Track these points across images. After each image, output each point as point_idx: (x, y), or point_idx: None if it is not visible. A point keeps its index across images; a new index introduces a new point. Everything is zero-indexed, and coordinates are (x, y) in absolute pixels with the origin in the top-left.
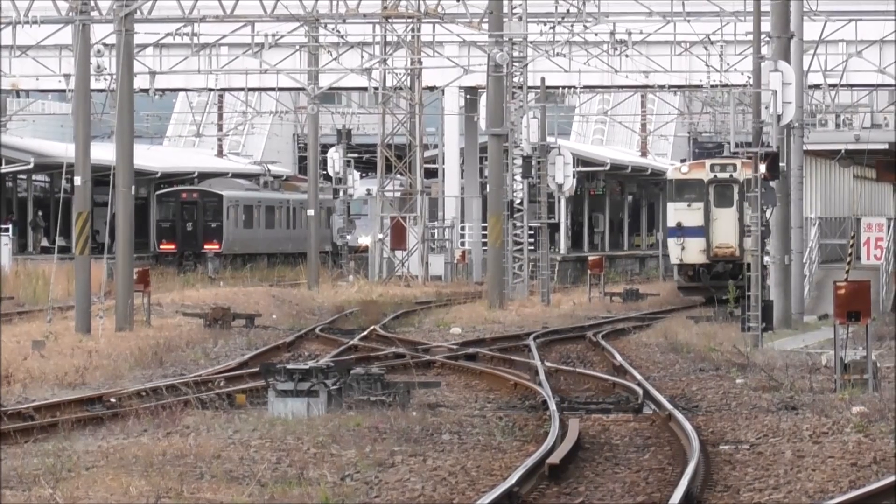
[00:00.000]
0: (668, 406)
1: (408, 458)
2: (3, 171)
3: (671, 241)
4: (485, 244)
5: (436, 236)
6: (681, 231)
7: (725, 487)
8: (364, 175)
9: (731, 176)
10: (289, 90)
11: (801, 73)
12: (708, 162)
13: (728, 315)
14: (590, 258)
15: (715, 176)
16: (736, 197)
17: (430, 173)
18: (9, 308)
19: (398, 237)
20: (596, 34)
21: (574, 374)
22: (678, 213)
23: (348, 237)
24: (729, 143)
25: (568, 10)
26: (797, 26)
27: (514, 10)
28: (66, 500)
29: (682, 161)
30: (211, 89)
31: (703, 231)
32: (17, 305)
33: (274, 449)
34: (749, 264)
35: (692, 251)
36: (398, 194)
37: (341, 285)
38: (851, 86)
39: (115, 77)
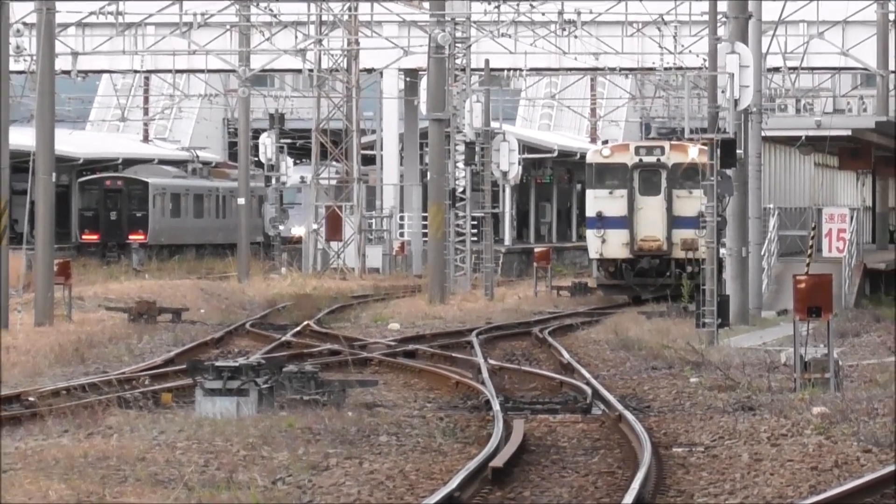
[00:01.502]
0: (619, 406)
1: (343, 460)
2: None
3: (590, 234)
4: (425, 235)
5: (373, 227)
6: (601, 222)
7: (679, 492)
8: (298, 162)
9: (658, 160)
10: (218, 72)
11: (760, 55)
12: (632, 144)
13: (682, 310)
14: (536, 250)
15: (640, 160)
16: (664, 184)
17: (368, 160)
18: None
19: (334, 227)
20: (543, 14)
21: (519, 372)
22: (598, 201)
23: (281, 227)
24: (683, 128)
25: None
26: (755, 6)
27: None
28: None
29: (604, 143)
30: (136, 71)
31: (627, 222)
32: None
33: (201, 451)
34: (688, 259)
35: (614, 245)
36: (334, 182)
37: (273, 278)
38: (813, 69)
39: (35, 58)
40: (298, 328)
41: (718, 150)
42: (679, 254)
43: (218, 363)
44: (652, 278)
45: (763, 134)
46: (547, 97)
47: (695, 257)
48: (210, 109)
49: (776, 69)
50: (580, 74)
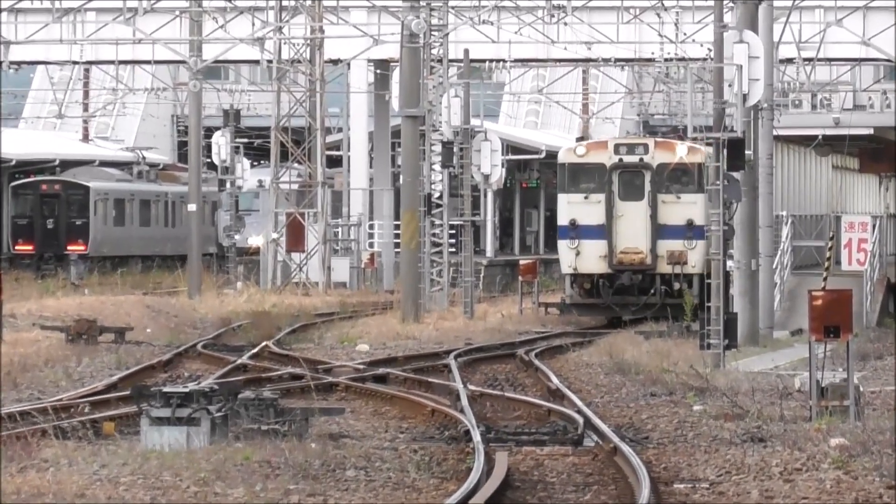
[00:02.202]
0: (613, 437)
1: (305, 497)
2: None
3: (562, 245)
4: (397, 246)
5: (340, 236)
6: (575, 231)
7: None
8: (255, 164)
9: (641, 160)
10: (167, 63)
11: (772, 44)
12: (611, 141)
13: (684, 330)
14: (521, 262)
15: (620, 159)
16: (648, 187)
17: (334, 162)
18: None
19: (295, 237)
20: None
21: (502, 399)
22: (572, 207)
23: (236, 237)
24: (686, 126)
25: None
26: None
27: None
28: None
29: (579, 140)
30: (75, 62)
31: (605, 231)
32: None
33: (147, 487)
34: (676, 274)
35: (589, 258)
36: (295, 186)
37: (228, 293)
38: (830, 60)
39: None
40: (256, 350)
41: (725, 151)
42: (665, 268)
43: (166, 389)
44: (633, 296)
45: (775, 133)
46: (533, 92)
47: (683, 272)
48: (157, 105)
49: (790, 60)
50: (570, 66)
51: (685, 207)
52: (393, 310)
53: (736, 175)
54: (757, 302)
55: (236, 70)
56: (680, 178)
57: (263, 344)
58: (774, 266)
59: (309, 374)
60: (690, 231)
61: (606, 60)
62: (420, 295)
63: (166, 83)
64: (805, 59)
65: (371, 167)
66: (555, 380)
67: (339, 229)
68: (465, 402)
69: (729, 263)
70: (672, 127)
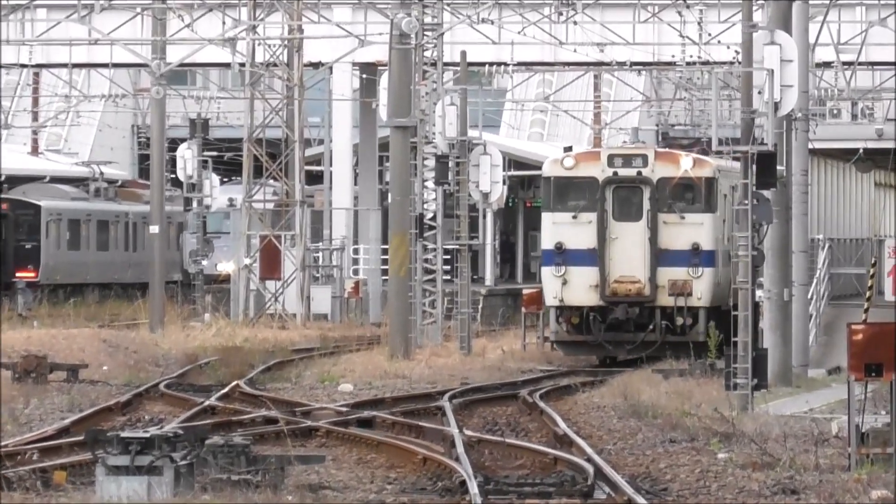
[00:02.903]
0: (627, 489)
1: None
2: None
3: (547, 273)
4: (385, 272)
5: (320, 262)
6: (561, 256)
7: None
8: (226, 180)
9: (639, 173)
10: (127, 67)
11: (807, 46)
12: (605, 151)
13: (708, 368)
14: (525, 292)
15: (615, 173)
16: (647, 205)
17: (314, 178)
18: None
19: (270, 263)
20: None
21: (502, 445)
22: (558, 228)
23: (204, 262)
24: (710, 138)
25: None
26: None
27: None
28: None
29: (567, 150)
30: (24, 65)
31: (596, 257)
32: None
33: None
34: (678, 307)
35: (578, 287)
36: (270, 206)
37: (194, 327)
38: (873, 64)
39: None
40: (226, 390)
41: (754, 167)
42: (666, 300)
43: (124, 434)
44: (629, 333)
45: (810, 146)
46: (539, 99)
47: (687, 305)
48: (115, 114)
49: (827, 64)
50: (581, 70)
51: (690, 229)
52: (380, 345)
53: (766, 194)
54: (790, 337)
55: (204, 74)
56: (684, 194)
57: (234, 383)
58: (809, 296)
59: (285, 417)
60: (696, 257)
61: (621, 64)
62: (411, 328)
63: (126, 89)
64: (844, 63)
65: (356, 184)
66: (562, 424)
67: (320, 254)
68: (460, 448)
69: (758, 293)
70: (695, 139)
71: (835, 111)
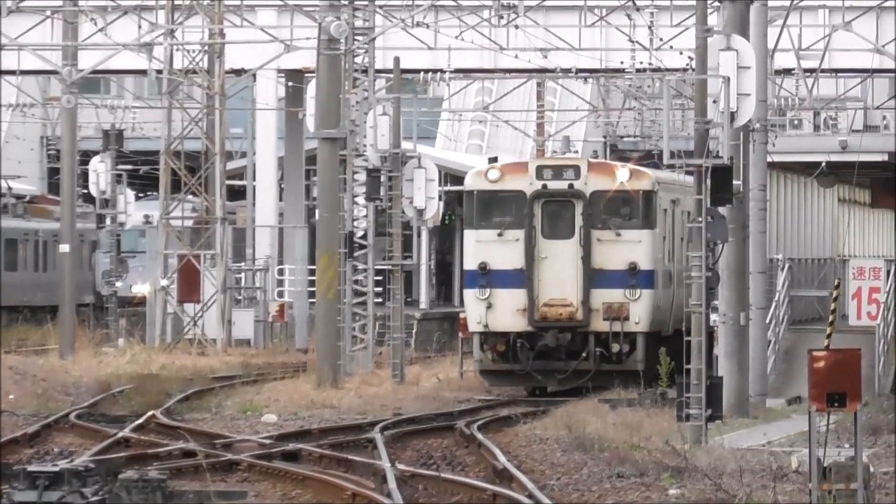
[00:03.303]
0: None
1: None
2: None
3: (470, 296)
4: (312, 294)
5: (243, 283)
6: (486, 278)
7: None
8: (141, 195)
9: (570, 186)
10: (35, 74)
11: (766, 52)
12: (533, 162)
13: (658, 398)
14: (462, 315)
15: (544, 185)
16: (579, 221)
17: (236, 193)
18: None
19: (189, 284)
20: None
21: (438, 480)
22: (482, 247)
23: (118, 284)
24: (660, 150)
25: None
26: None
27: None
28: None
29: (492, 160)
30: None
31: (524, 278)
32: None
33: None
34: (615, 332)
35: (504, 312)
36: (189, 223)
37: (107, 353)
38: (837, 71)
39: None
40: (141, 420)
41: (709, 181)
42: (601, 325)
43: (31, 467)
44: (560, 361)
45: (769, 159)
46: (478, 109)
47: (624, 330)
48: (23, 125)
49: (788, 71)
50: (523, 78)
51: (627, 247)
52: (307, 373)
53: (722, 210)
54: (746, 364)
55: (119, 82)
56: (620, 209)
57: (150, 413)
58: (768, 320)
59: (204, 450)
60: (634, 277)
61: (566, 71)
62: (339, 355)
63: (34, 98)
64: (806, 70)
65: (281, 200)
66: (502, 458)
67: (243, 275)
68: (392, 484)
69: (713, 317)
70: (646, 152)
71: (796, 122)
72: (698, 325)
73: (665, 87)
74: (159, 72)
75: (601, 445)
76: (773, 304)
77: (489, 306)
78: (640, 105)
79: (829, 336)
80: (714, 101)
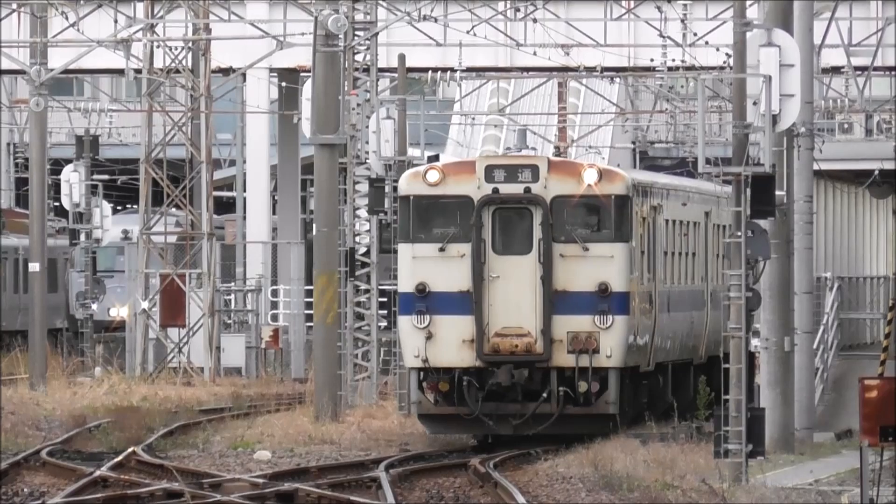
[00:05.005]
0: None
1: None
2: None
3: (406, 323)
4: (309, 318)
5: (233, 306)
6: (425, 301)
7: None
8: (119, 208)
9: (527, 190)
10: (0, 74)
11: (811, 48)
12: (481, 161)
13: (694, 431)
14: None
15: (495, 190)
16: (538, 233)
17: (224, 206)
18: None
19: (173, 307)
20: None
21: None
22: (421, 264)
23: (94, 306)
24: (695, 158)
25: None
26: None
27: None
28: None
29: (432, 158)
30: None
31: (471, 302)
32: None
33: None
34: (582, 368)
35: (448, 343)
36: (173, 239)
37: (83, 383)
38: (891, 69)
39: None
40: (120, 458)
41: (748, 192)
42: (564, 359)
43: None
44: (516, 403)
45: (816, 167)
46: (493, 111)
47: (593, 365)
48: None
49: (836, 69)
50: (542, 77)
51: (596, 264)
52: (304, 405)
53: (763, 224)
54: (791, 394)
55: (93, 83)
56: (588, 218)
57: (130, 450)
58: (815, 346)
59: (191, 490)
60: (605, 301)
61: (590, 69)
62: (340, 385)
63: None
64: (857, 69)
65: (274, 213)
66: (520, 498)
67: (232, 296)
68: None
69: (754, 343)
70: (679, 159)
71: (845, 125)
72: (738, 352)
73: (700, 88)
74: (138, 71)
75: (630, 485)
76: (821, 328)
77: (429, 337)
78: (673, 107)
79: (882, 363)
80: (754, 103)
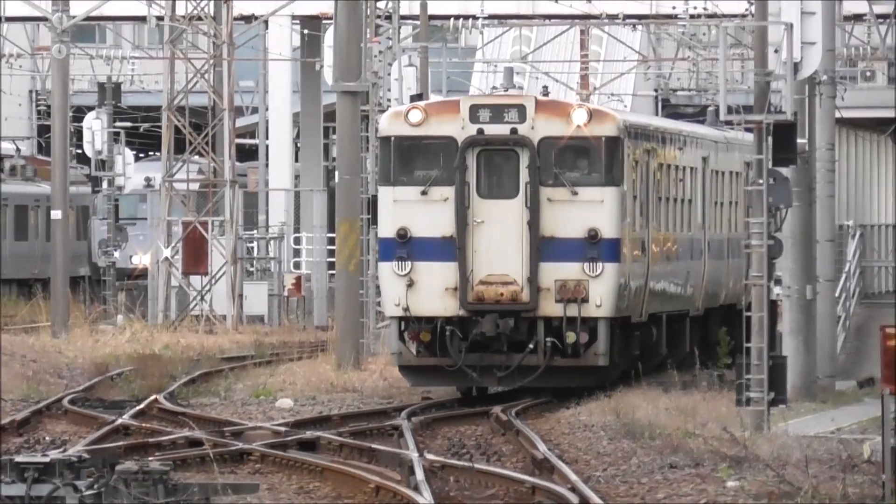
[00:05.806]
0: None
1: None
2: None
3: (386, 270)
4: (332, 266)
5: (255, 253)
6: (406, 247)
7: None
8: (141, 156)
9: (513, 131)
10: (23, 21)
11: None
12: (466, 101)
13: (716, 379)
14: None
15: (480, 130)
16: (525, 176)
17: (247, 153)
18: None
19: (195, 255)
20: None
21: (471, 472)
22: (402, 208)
23: (116, 254)
24: (717, 105)
25: None
26: None
27: None
28: None
29: (415, 98)
30: None
31: (454, 248)
32: None
33: None
34: (570, 318)
35: (429, 291)
36: (195, 187)
37: (105, 331)
38: None
39: None
40: (141, 406)
41: (770, 139)
42: (552, 309)
43: (20, 458)
44: (501, 354)
45: (838, 115)
46: (515, 59)
47: (582, 315)
48: (10, 77)
49: (858, 17)
50: (565, 25)
51: (586, 209)
52: (326, 353)
53: (785, 172)
54: (813, 342)
55: (116, 30)
56: (577, 161)
57: (152, 398)
58: (837, 294)
59: (212, 438)
60: (594, 248)
61: (612, 17)
62: (362, 333)
63: (22, 48)
64: (879, 16)
65: (296, 161)
66: (542, 446)
67: (255, 244)
68: (420, 476)
69: (776, 290)
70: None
71: (867, 73)
72: (759, 300)
73: (722, 35)
74: (160, 18)
75: (652, 433)
76: (843, 276)
77: (410, 284)
78: (695, 55)
79: None
80: (776, 51)
